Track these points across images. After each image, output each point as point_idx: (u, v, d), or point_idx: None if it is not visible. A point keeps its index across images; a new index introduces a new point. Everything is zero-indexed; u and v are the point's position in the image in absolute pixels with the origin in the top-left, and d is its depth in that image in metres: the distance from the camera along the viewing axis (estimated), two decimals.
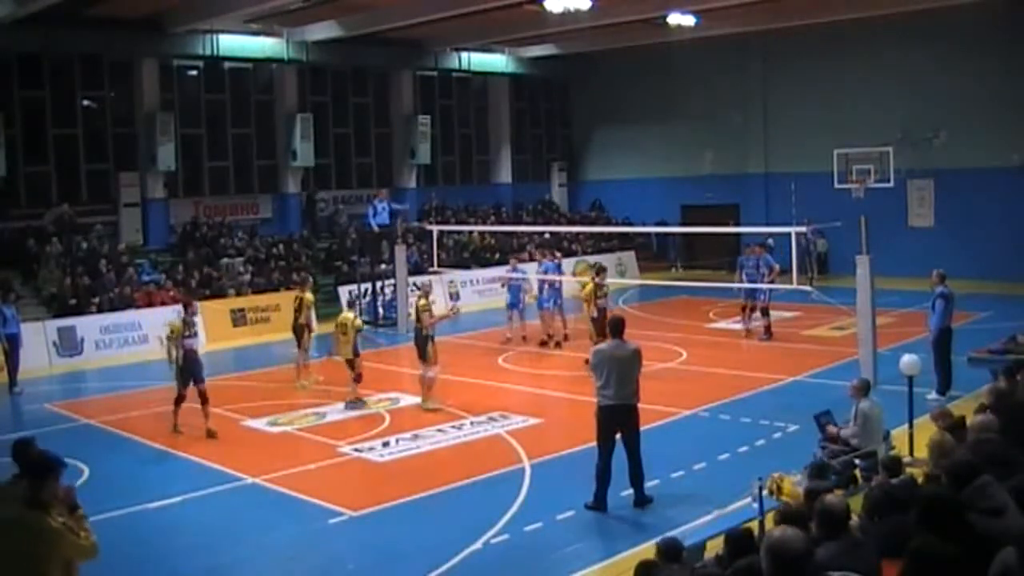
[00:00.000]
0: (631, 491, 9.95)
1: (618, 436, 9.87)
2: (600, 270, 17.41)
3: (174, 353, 13.29)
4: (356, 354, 14.63)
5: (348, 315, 15.01)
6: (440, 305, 24.62)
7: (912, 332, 16.99)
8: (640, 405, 10.06)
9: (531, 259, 24.08)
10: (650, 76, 31.45)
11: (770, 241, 21.70)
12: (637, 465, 9.84)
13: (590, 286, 16.65)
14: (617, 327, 10.06)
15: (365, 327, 15.79)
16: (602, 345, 10.02)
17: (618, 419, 9.81)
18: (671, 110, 31.65)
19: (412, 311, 14.83)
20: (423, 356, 14.34)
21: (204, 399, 13.17)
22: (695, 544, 7.57)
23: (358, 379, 14.68)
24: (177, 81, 26.12)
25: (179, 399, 13.40)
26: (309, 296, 16.68)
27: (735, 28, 26.66)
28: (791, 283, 16.07)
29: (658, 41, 27.81)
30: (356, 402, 14.59)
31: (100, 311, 20.49)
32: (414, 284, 16.53)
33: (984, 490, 5.41)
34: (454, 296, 25.37)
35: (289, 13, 23.71)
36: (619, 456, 9.84)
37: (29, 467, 5.63)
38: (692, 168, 31.57)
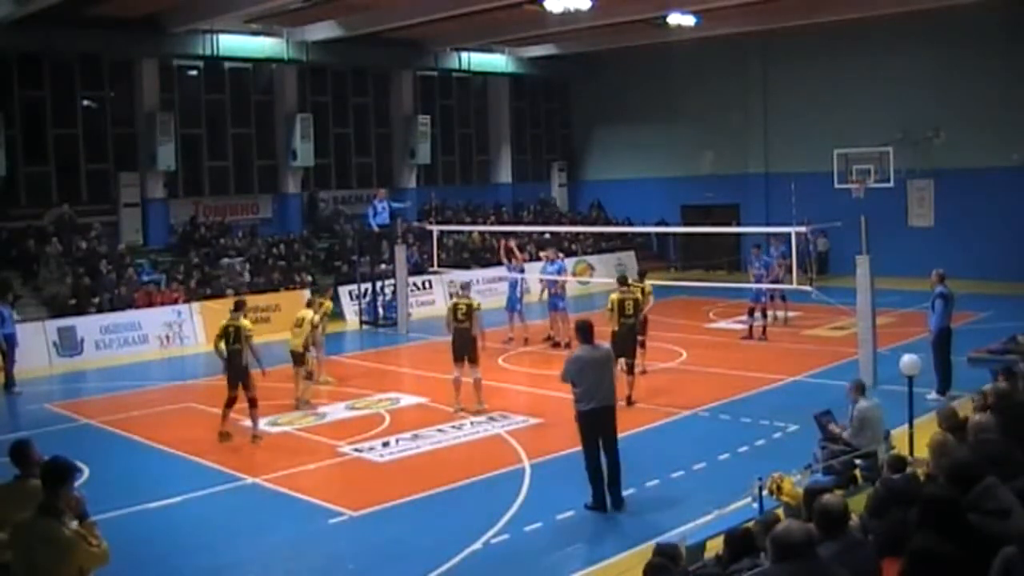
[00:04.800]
0: (631, 491, 9.95)
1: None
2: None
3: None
4: (306, 348, 14.59)
5: (307, 312, 15.09)
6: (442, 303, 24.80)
7: (912, 332, 16.99)
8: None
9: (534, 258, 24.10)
10: (650, 76, 31.46)
11: (773, 241, 21.63)
12: (615, 467, 9.77)
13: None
14: (586, 331, 9.97)
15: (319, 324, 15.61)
16: (578, 351, 9.94)
17: (600, 422, 9.73)
18: (671, 110, 31.66)
19: (463, 312, 14.03)
20: (475, 358, 14.06)
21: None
22: (695, 544, 7.56)
23: (309, 376, 14.66)
24: (177, 81, 26.13)
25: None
26: (328, 304, 17.48)
27: (735, 28, 26.66)
28: (791, 283, 16.05)
29: (658, 41, 27.81)
30: (306, 403, 14.54)
31: (100, 311, 20.50)
32: (459, 285, 15.90)
33: (989, 491, 5.41)
34: (454, 296, 25.35)
35: (289, 13, 23.70)
36: (621, 459, 9.81)
37: (45, 474, 5.61)
38: (692, 168, 31.57)
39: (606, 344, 10.18)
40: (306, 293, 23.23)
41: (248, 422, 13.02)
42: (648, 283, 16.61)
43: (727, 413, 13.58)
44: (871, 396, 10.12)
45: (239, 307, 13.36)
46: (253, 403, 12.90)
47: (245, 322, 13.01)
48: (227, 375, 13.11)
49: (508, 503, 10.04)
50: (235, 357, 12.90)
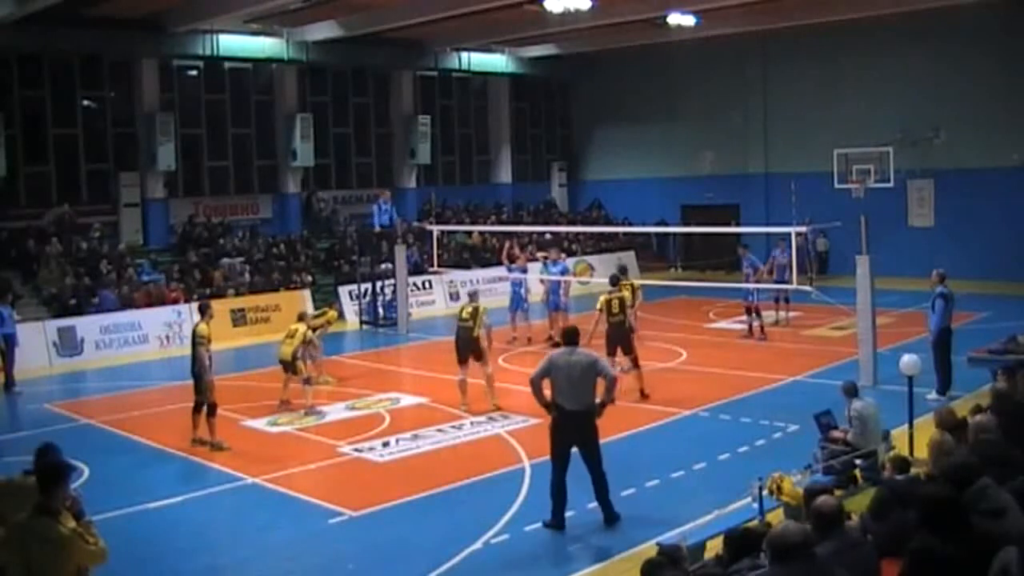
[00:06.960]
0: (631, 491, 9.93)
1: (575, 450, 9.35)
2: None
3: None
4: (295, 357, 14.42)
5: (299, 326, 14.95)
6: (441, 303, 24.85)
7: (912, 332, 16.99)
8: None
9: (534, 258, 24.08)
10: (650, 76, 31.45)
11: (779, 242, 21.56)
12: (599, 480, 9.36)
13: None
14: (568, 335, 9.88)
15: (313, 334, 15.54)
16: (553, 352, 9.86)
17: (572, 426, 9.29)
18: (671, 110, 31.67)
19: (469, 313, 14.17)
20: (480, 356, 14.09)
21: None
22: (695, 544, 7.56)
23: (308, 381, 14.46)
24: (177, 81, 26.12)
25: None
26: (334, 313, 17.77)
27: (735, 28, 26.67)
28: (791, 283, 16.04)
29: (658, 41, 27.83)
30: (310, 408, 14.28)
31: (100, 311, 20.49)
32: (468, 294, 15.87)
33: (984, 492, 5.41)
34: (454, 296, 25.40)
35: (289, 13, 23.70)
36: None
37: (40, 473, 5.64)
38: (692, 168, 31.56)
39: (588, 351, 9.89)
40: (306, 293, 23.32)
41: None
42: (635, 281, 16.66)
43: (727, 413, 13.58)
44: (864, 396, 10.10)
45: (202, 310, 12.96)
46: (204, 409, 12.51)
47: (201, 327, 12.50)
48: None
49: (508, 503, 10.04)
50: (193, 363, 12.61)
